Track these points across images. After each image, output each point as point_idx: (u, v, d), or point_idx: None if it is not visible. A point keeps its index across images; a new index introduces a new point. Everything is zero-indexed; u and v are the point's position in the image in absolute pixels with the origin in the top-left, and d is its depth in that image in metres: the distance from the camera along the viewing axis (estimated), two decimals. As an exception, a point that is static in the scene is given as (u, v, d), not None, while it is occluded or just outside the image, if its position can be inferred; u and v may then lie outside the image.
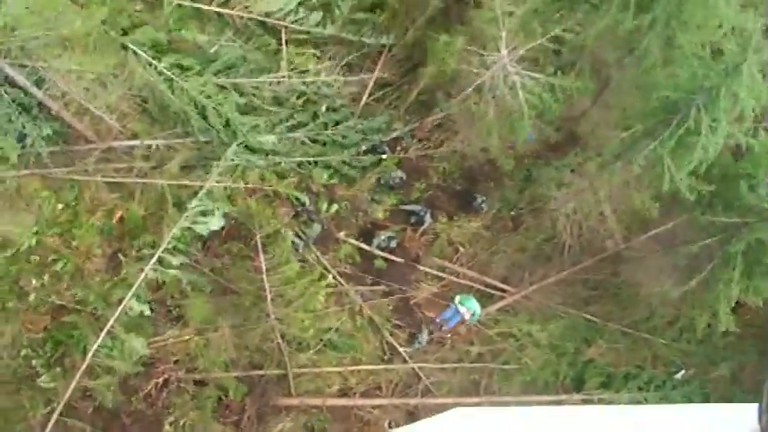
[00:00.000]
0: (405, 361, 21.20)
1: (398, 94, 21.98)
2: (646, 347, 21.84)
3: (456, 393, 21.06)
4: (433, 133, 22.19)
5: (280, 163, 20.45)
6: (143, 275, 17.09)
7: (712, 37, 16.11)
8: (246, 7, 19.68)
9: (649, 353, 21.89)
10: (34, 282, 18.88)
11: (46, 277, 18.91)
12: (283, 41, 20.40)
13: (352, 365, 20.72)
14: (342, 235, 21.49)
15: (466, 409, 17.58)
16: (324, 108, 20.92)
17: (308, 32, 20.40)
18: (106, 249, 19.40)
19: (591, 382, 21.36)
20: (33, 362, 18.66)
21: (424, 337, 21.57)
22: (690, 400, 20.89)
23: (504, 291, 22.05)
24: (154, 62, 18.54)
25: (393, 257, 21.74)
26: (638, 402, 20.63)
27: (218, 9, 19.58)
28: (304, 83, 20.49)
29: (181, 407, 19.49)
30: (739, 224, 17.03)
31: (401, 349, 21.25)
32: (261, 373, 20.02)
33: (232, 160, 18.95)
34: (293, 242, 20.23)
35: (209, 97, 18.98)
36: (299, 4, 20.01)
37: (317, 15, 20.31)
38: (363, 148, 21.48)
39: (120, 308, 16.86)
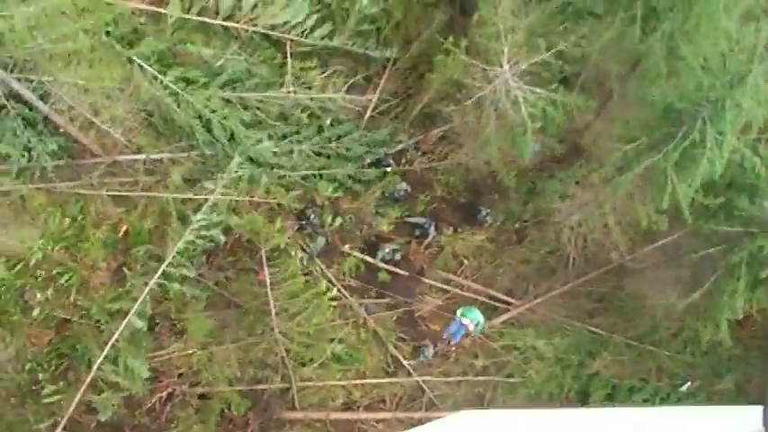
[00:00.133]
0: (409, 374, 21.17)
1: (403, 107, 22.04)
2: (650, 360, 21.77)
3: (460, 406, 20.97)
4: (437, 146, 22.23)
5: (284, 176, 20.48)
6: (147, 289, 17.08)
7: (716, 48, 16.12)
8: (252, 20, 19.68)
9: (654, 365, 21.81)
10: (39, 296, 18.95)
11: (51, 291, 18.97)
12: (288, 55, 20.43)
13: (356, 379, 20.70)
14: (346, 248, 21.50)
15: (471, 411, 17.56)
16: (328, 121, 20.97)
17: (313, 46, 20.41)
18: (111, 263, 19.44)
19: (595, 394, 21.28)
20: (38, 375, 18.71)
21: (430, 351, 21.55)
22: (695, 413, 20.85)
23: (508, 303, 22.03)
24: (159, 76, 18.56)
25: (397, 270, 21.76)
26: (643, 415, 20.58)
27: (223, 22, 19.58)
28: (309, 96, 20.50)
29: (184, 421, 19.48)
30: (742, 234, 17.00)
31: (405, 362, 21.22)
32: (264, 386, 20.01)
33: (236, 172, 18.93)
34: (295, 255, 20.22)
35: (214, 111, 19.03)
36: (305, 17, 20.00)
37: (321, 29, 20.30)
38: (368, 161, 21.51)
39: (124, 322, 16.83)
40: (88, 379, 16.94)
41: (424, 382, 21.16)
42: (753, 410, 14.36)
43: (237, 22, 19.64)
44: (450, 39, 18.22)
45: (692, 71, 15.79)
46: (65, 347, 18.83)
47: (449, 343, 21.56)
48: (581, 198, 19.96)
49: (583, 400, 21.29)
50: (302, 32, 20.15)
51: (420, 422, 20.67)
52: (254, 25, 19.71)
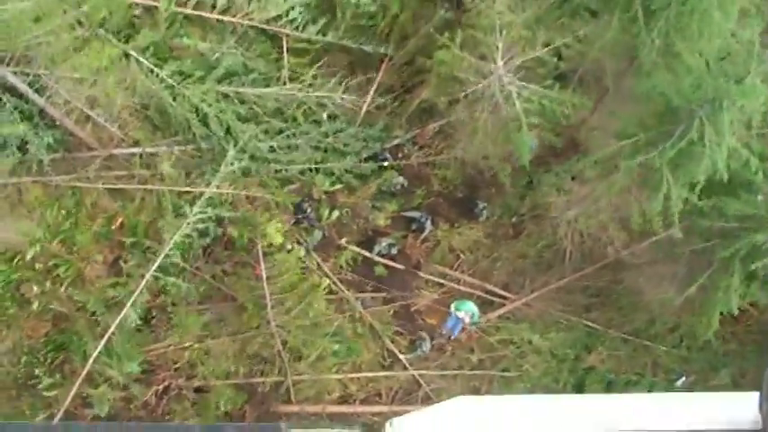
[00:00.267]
0: (405, 368, 21.19)
1: (400, 102, 22.02)
2: (646, 354, 21.78)
3: (457, 400, 21.06)
4: (434, 140, 22.22)
5: (281, 170, 20.50)
6: (143, 282, 17.13)
7: (711, 45, 16.12)
8: (247, 14, 19.69)
9: (650, 360, 21.83)
10: (35, 289, 18.99)
11: (47, 284, 19.00)
12: (285, 49, 20.44)
13: (352, 372, 20.73)
14: (343, 242, 21.51)
15: (467, 397, 17.61)
16: (325, 116, 20.96)
17: (309, 41, 20.41)
18: (107, 256, 19.48)
19: (591, 389, 21.30)
20: (34, 368, 18.76)
21: (427, 345, 21.58)
22: (691, 408, 20.88)
23: (504, 298, 22.02)
24: (156, 69, 18.58)
25: (394, 264, 21.75)
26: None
27: (219, 16, 19.58)
28: (305, 91, 20.50)
29: (181, 414, 19.52)
30: (736, 229, 17.01)
31: (401, 356, 21.25)
32: (261, 380, 20.05)
33: (232, 165, 18.96)
34: (294, 249, 20.27)
35: (210, 105, 19.04)
36: (300, 11, 20.00)
37: (317, 24, 20.30)
38: (365, 155, 21.49)
39: (120, 315, 16.89)
40: (84, 372, 17.00)
41: (420, 375, 21.18)
42: (749, 397, 14.39)
43: (233, 17, 19.63)
44: (447, 34, 18.19)
45: (688, 69, 15.79)
46: (61, 340, 18.88)
47: (449, 338, 21.57)
48: (577, 193, 19.96)
49: (579, 394, 21.33)
50: (298, 27, 20.14)
51: (416, 415, 20.78)
52: (251, 19, 19.70)
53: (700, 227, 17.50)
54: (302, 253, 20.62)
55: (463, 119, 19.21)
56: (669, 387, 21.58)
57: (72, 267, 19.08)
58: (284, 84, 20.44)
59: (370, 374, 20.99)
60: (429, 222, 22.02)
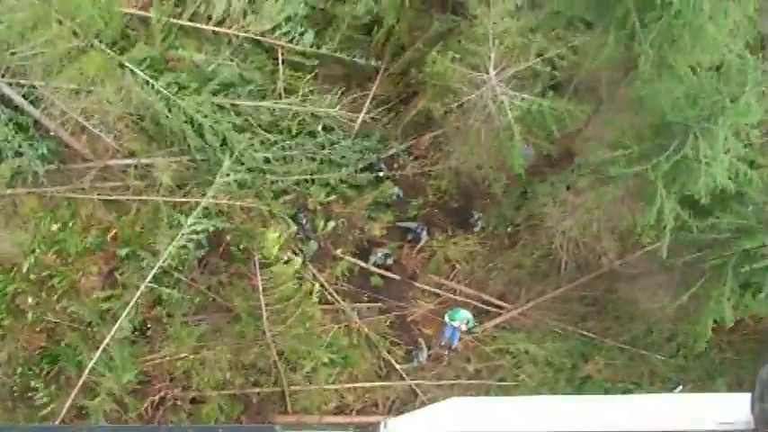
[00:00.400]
0: (402, 378, 21.19)
1: (395, 113, 22.11)
2: (643, 364, 21.81)
3: (453, 410, 21.02)
4: (429, 151, 22.27)
5: (277, 181, 20.53)
6: (138, 293, 17.13)
7: (704, 57, 16.22)
8: (243, 27, 19.76)
9: (646, 369, 21.85)
10: (31, 300, 18.97)
11: (42, 295, 18.99)
12: (280, 61, 20.50)
13: (348, 383, 20.71)
14: (338, 252, 21.54)
15: (461, 398, 17.63)
16: (320, 127, 21.00)
17: (305, 53, 20.48)
18: (102, 267, 19.47)
19: (588, 398, 21.32)
20: (29, 380, 18.74)
21: (423, 355, 21.58)
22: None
23: (500, 307, 22.05)
24: (151, 81, 18.62)
25: (390, 274, 21.78)
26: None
27: (214, 28, 19.65)
28: (301, 102, 20.56)
29: (176, 425, 19.48)
30: (728, 240, 17.06)
31: (398, 366, 21.25)
32: (257, 390, 20.04)
33: (227, 175, 18.99)
34: (288, 259, 20.27)
35: (205, 116, 19.07)
36: (295, 23, 20.08)
37: (312, 36, 20.37)
38: (360, 166, 21.53)
39: (115, 326, 16.89)
40: (79, 383, 16.98)
41: (416, 385, 21.18)
42: (741, 398, 14.40)
43: (229, 28, 19.71)
44: (439, 45, 18.28)
45: (681, 81, 15.86)
46: (56, 352, 18.85)
47: (450, 348, 21.57)
48: (572, 203, 20.00)
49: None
50: (293, 40, 20.21)
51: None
52: (246, 31, 19.78)
53: (691, 239, 17.53)
54: (299, 264, 20.62)
55: (457, 129, 19.27)
56: (666, 396, 21.60)
57: (67, 279, 19.07)
58: (280, 95, 20.53)
59: (366, 385, 20.98)
60: (425, 233, 22.06)
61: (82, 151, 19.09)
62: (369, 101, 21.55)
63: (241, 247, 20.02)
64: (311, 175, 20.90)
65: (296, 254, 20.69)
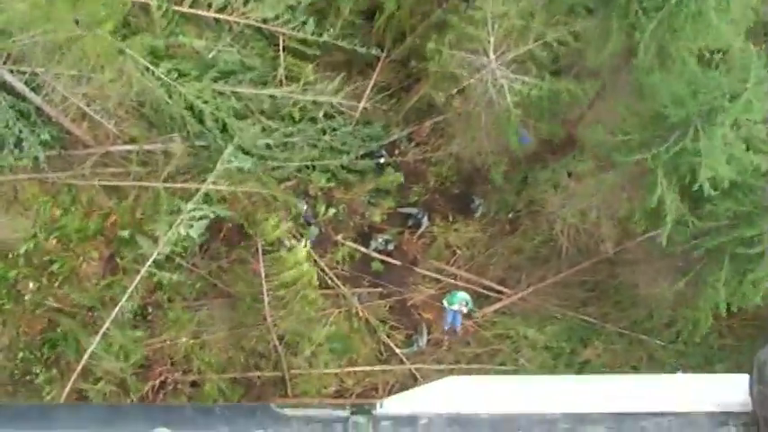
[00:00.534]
0: (401, 362, 21.32)
1: (396, 99, 22.11)
2: (642, 349, 21.86)
3: (452, 394, 21.09)
4: (430, 137, 22.30)
5: (278, 167, 20.57)
6: (138, 278, 17.24)
7: (707, 44, 16.17)
8: (244, 14, 19.73)
9: (646, 354, 21.90)
10: (31, 285, 19.13)
11: (43, 280, 19.13)
12: (281, 48, 20.49)
13: (348, 367, 20.87)
14: (339, 238, 21.63)
15: (460, 377, 17.68)
16: (322, 114, 21.01)
17: (306, 40, 20.45)
18: (103, 252, 19.62)
19: (588, 383, 21.35)
20: (30, 364, 18.92)
21: (423, 339, 21.68)
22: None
23: (501, 293, 22.12)
24: (151, 67, 18.62)
25: (390, 260, 21.90)
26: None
27: (215, 15, 19.62)
28: (302, 89, 20.56)
29: (177, 408, 19.63)
30: (726, 227, 17.08)
31: (398, 351, 21.37)
32: (257, 374, 20.21)
33: (228, 162, 19.04)
34: (290, 246, 20.34)
35: (206, 102, 19.10)
36: (296, 10, 20.03)
37: (313, 23, 20.34)
38: (361, 152, 21.57)
39: (115, 310, 17.02)
40: (79, 367, 17.14)
41: (416, 370, 21.30)
42: (737, 378, 14.45)
43: (230, 15, 19.67)
44: (437, 32, 18.25)
45: (681, 74, 15.80)
46: (57, 336, 19.03)
47: (454, 332, 21.66)
48: (573, 189, 20.01)
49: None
50: (294, 27, 20.18)
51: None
52: (247, 18, 19.74)
53: (690, 227, 17.52)
54: (301, 249, 20.70)
55: (459, 115, 19.27)
56: (664, 381, 21.62)
57: (67, 264, 19.23)
58: (281, 82, 20.52)
59: (366, 369, 21.12)
60: (425, 218, 22.13)
61: (83, 137, 19.16)
62: (370, 88, 21.55)
63: (242, 232, 20.12)
64: (312, 161, 20.93)
65: (297, 239, 20.78)
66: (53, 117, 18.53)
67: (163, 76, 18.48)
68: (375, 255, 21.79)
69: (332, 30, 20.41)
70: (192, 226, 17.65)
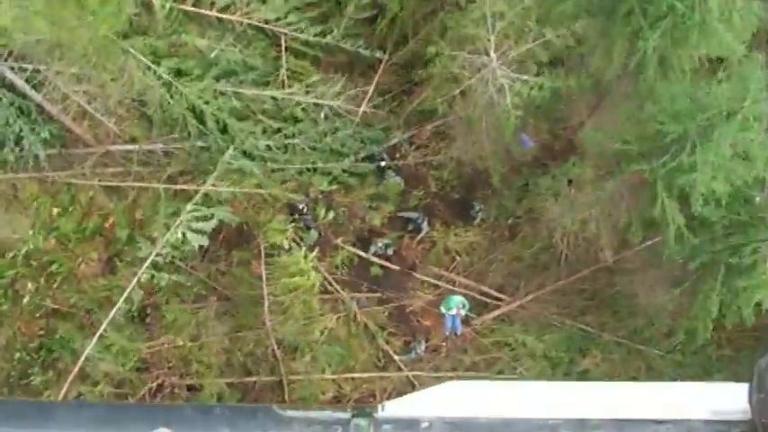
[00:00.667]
0: (399, 369, 21.21)
1: (398, 102, 22.07)
2: (640, 358, 21.75)
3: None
4: (431, 141, 22.26)
5: (278, 170, 20.50)
6: (136, 280, 17.14)
7: (705, 51, 16.15)
8: (247, 14, 19.69)
9: (644, 364, 21.79)
10: (30, 285, 19.02)
11: (41, 281, 19.03)
12: (283, 48, 20.44)
13: (346, 373, 20.75)
14: (339, 241, 21.55)
15: (460, 381, 17.65)
16: (323, 116, 20.96)
17: (308, 41, 20.41)
18: (102, 253, 19.52)
19: (586, 392, 21.27)
20: (27, 365, 18.80)
21: (422, 346, 21.60)
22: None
23: (499, 299, 22.02)
24: (153, 66, 18.55)
25: (390, 265, 21.81)
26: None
27: (218, 14, 19.57)
28: (304, 90, 20.51)
29: (174, 411, 19.52)
30: (721, 237, 17.06)
31: (396, 357, 21.27)
32: (254, 379, 20.10)
33: (229, 164, 18.97)
34: (290, 248, 20.29)
35: (207, 102, 19.01)
36: (299, 12, 20.01)
37: (316, 24, 20.30)
38: (362, 155, 21.51)
39: (112, 312, 16.92)
40: (76, 369, 17.03)
41: (414, 377, 21.19)
42: (735, 387, 14.39)
43: (233, 15, 19.62)
44: (443, 30, 18.23)
45: (681, 92, 15.78)
46: (54, 338, 18.92)
47: (456, 335, 21.57)
48: (573, 197, 19.97)
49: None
50: (297, 28, 20.14)
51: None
52: (249, 18, 19.69)
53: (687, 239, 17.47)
54: (302, 253, 20.62)
55: (459, 116, 19.21)
56: (663, 391, 21.55)
57: (66, 264, 19.11)
58: (283, 83, 20.45)
59: (364, 375, 21.00)
60: (425, 223, 22.06)
61: (83, 136, 19.07)
62: (372, 90, 21.49)
63: (240, 234, 20.04)
64: (313, 163, 20.86)
65: (297, 243, 20.71)
66: (54, 115, 18.44)
67: (164, 75, 18.41)
68: (374, 259, 21.71)
69: (335, 32, 20.37)
70: (191, 228, 17.55)
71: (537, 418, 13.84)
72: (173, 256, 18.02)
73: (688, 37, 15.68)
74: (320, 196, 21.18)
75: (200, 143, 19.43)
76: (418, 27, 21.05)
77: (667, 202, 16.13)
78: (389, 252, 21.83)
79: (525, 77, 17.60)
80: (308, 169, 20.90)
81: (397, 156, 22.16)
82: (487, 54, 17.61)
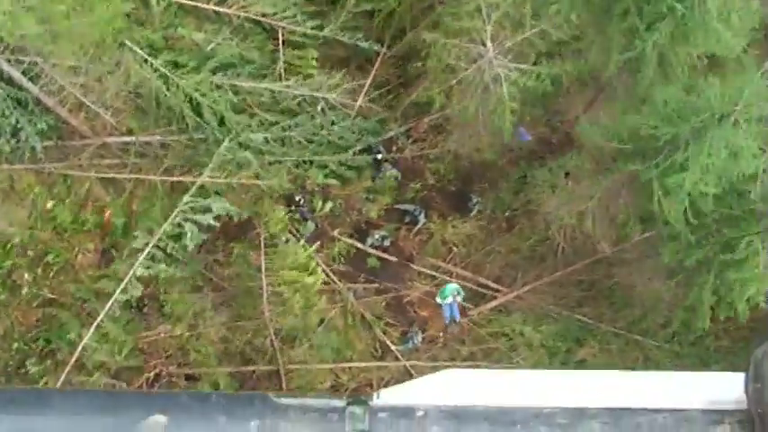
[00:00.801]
0: (396, 359, 21.27)
1: (395, 95, 22.13)
2: (638, 349, 21.80)
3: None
4: (428, 134, 22.32)
5: (275, 162, 20.53)
6: (132, 271, 17.18)
7: (704, 50, 16.18)
8: (243, 7, 19.70)
9: (641, 355, 21.84)
10: (27, 276, 19.05)
11: (38, 271, 19.06)
12: (281, 41, 20.46)
13: (343, 362, 20.81)
14: (336, 233, 21.61)
15: (458, 370, 17.78)
16: (320, 108, 20.97)
17: (305, 34, 20.43)
18: (99, 244, 19.57)
19: (583, 383, 21.33)
20: (25, 355, 18.85)
21: (419, 337, 21.66)
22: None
23: (497, 291, 22.09)
24: (150, 59, 18.57)
25: (387, 256, 21.88)
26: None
27: (215, 7, 19.57)
28: (301, 83, 20.53)
29: (172, 401, 19.56)
30: (714, 231, 17.12)
31: (393, 347, 21.33)
32: (252, 368, 20.15)
33: (225, 155, 18.99)
34: (287, 240, 20.33)
35: (204, 95, 19.05)
36: (296, 6, 20.02)
37: (314, 17, 20.31)
38: (359, 148, 21.54)
39: (109, 303, 16.96)
40: (73, 359, 17.07)
41: (411, 366, 21.24)
42: (734, 376, 14.48)
43: (230, 8, 19.63)
44: (439, 22, 18.25)
45: (678, 88, 15.81)
46: (52, 327, 18.97)
47: (456, 322, 21.60)
48: (570, 189, 20.01)
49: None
50: (294, 21, 20.16)
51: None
52: (246, 11, 19.71)
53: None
54: (300, 244, 20.68)
55: (456, 108, 19.22)
56: (659, 382, 21.62)
57: (62, 255, 19.15)
58: (280, 76, 20.47)
59: (361, 365, 21.06)
60: (422, 215, 22.13)
61: (80, 128, 19.08)
62: (369, 83, 21.53)
63: (237, 225, 20.10)
64: (310, 156, 20.89)
65: (293, 234, 20.76)
66: (50, 107, 18.44)
67: (161, 68, 18.43)
68: (371, 251, 21.77)
69: (332, 25, 20.38)
70: (188, 219, 17.59)
71: (533, 407, 13.91)
72: (170, 247, 18.04)
73: (688, 36, 15.73)
74: (317, 188, 21.23)
75: (197, 135, 19.44)
76: (416, 21, 21.07)
77: (663, 200, 16.15)
78: (386, 244, 21.90)
79: (523, 66, 17.60)
80: (305, 162, 20.93)
81: (394, 149, 22.22)
82: (484, 44, 17.63)
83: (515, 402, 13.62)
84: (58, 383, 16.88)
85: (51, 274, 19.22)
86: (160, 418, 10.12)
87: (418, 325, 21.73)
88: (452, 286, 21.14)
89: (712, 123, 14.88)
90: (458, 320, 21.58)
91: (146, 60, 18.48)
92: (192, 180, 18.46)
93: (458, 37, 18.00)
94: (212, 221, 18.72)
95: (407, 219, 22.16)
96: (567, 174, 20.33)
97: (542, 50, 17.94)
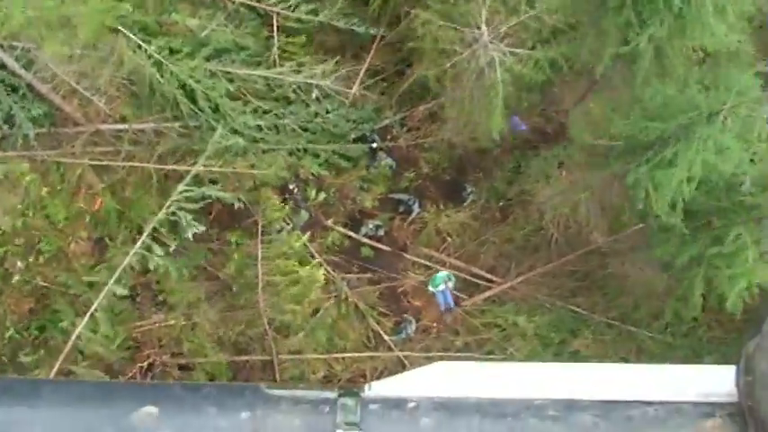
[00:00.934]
0: (390, 349, 21.29)
1: (390, 83, 22.04)
2: (631, 340, 21.82)
3: (440, 381, 21.08)
4: (423, 123, 22.26)
5: (269, 150, 20.47)
6: (126, 260, 17.12)
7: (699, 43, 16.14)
8: (238, -8, 19.66)
9: (634, 345, 21.85)
10: (19, 263, 18.99)
11: (30, 259, 19.00)
12: (275, 28, 20.37)
13: (336, 353, 20.81)
14: (329, 222, 21.59)
15: (449, 362, 17.71)
16: (314, 96, 20.90)
17: (300, 20, 20.33)
18: (92, 232, 19.49)
19: (577, 373, 21.36)
20: (18, 344, 18.81)
21: (412, 327, 21.69)
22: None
23: (490, 281, 22.10)
24: (144, 45, 18.47)
25: (380, 246, 21.89)
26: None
27: (209, -7, 19.56)
28: (295, 70, 20.45)
29: (165, 390, 19.55)
30: (704, 226, 17.15)
31: (387, 337, 21.35)
32: (246, 358, 20.15)
33: (219, 143, 18.91)
34: (281, 229, 20.31)
35: (198, 81, 18.94)
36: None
37: (308, 3, 20.22)
38: (353, 136, 21.50)
39: (103, 292, 16.90)
40: (66, 349, 17.02)
41: (404, 357, 21.27)
42: (725, 369, 14.46)
43: (225, -7, 19.61)
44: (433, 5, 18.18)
45: (670, 90, 15.77)
46: (44, 316, 18.93)
47: (450, 310, 21.65)
48: (564, 179, 20.00)
49: (562, 369, 21.40)
50: (289, 6, 20.07)
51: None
52: (242, -4, 19.67)
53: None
54: (294, 235, 20.64)
55: (450, 94, 19.15)
56: (652, 373, 21.65)
57: (55, 243, 19.08)
58: (274, 63, 20.39)
59: (354, 355, 21.07)
60: (416, 205, 22.15)
61: (73, 115, 18.97)
62: (363, 71, 21.45)
63: (232, 214, 20.05)
64: (304, 145, 20.83)
65: (287, 223, 20.72)
66: (43, 94, 18.33)
67: (155, 54, 18.33)
68: (365, 240, 21.77)
69: (328, 10, 20.29)
70: (182, 207, 17.51)
71: (525, 399, 13.87)
72: (164, 236, 17.98)
73: (684, 30, 15.68)
74: (311, 177, 21.17)
75: (191, 123, 19.37)
76: (411, 7, 20.90)
77: (652, 194, 16.13)
78: (380, 233, 21.92)
79: (518, 51, 17.53)
80: (299, 150, 20.87)
81: (389, 137, 22.18)
82: (478, 27, 17.54)
83: (507, 394, 13.57)
84: (52, 373, 16.82)
85: (44, 263, 19.15)
86: (152, 409, 10.09)
87: (412, 315, 21.75)
88: (443, 274, 21.19)
89: (701, 121, 14.86)
90: (452, 307, 21.58)
91: (139, 46, 18.36)
92: (186, 168, 18.36)
93: (453, 19, 17.89)
94: (204, 208, 18.69)
95: (401, 208, 22.17)
96: (560, 164, 20.32)
97: (537, 38, 17.85)
